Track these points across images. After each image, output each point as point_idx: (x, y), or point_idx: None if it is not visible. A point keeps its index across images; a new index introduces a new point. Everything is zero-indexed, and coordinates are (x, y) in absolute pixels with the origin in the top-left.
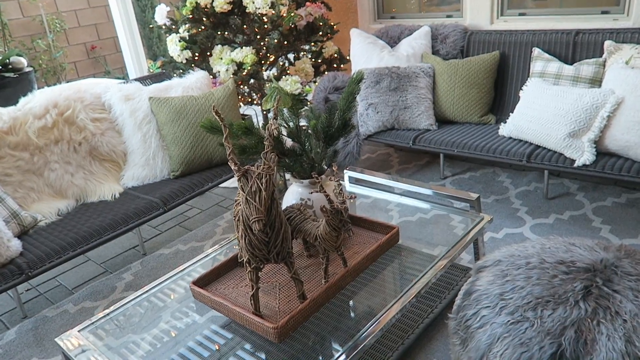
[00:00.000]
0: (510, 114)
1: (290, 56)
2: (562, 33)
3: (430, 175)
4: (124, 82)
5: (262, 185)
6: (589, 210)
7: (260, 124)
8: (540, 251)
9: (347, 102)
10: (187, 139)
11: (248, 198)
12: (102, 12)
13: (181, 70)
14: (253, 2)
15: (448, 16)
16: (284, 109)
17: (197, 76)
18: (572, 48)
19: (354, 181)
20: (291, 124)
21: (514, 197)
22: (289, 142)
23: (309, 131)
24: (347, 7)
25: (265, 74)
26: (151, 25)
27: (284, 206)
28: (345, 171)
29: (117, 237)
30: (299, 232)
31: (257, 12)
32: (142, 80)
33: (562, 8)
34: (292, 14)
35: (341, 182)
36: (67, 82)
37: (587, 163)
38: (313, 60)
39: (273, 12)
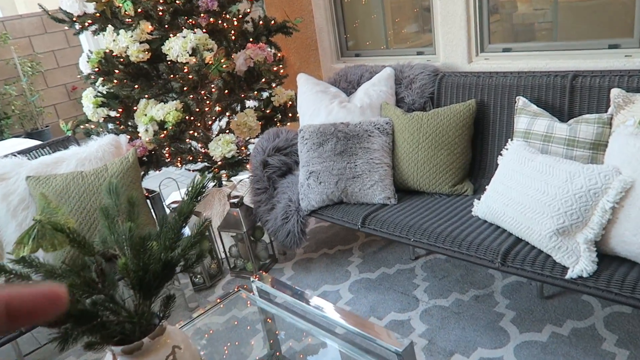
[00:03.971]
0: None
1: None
2: (555, 76)
3: (400, 253)
4: (3, 157)
5: None
6: (599, 321)
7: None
8: None
9: (173, 233)
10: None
11: None
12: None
13: (103, 132)
14: (171, 49)
15: (419, 53)
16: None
17: (101, 143)
18: (569, 97)
19: (265, 295)
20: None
21: (499, 294)
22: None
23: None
24: (308, 44)
25: (215, 127)
26: (79, 76)
27: None
28: (252, 280)
29: None
30: None
31: (178, 61)
32: (36, 149)
33: (556, 42)
34: (221, 61)
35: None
36: (46, 126)
37: (585, 275)
38: (262, 111)
39: (195, 59)
